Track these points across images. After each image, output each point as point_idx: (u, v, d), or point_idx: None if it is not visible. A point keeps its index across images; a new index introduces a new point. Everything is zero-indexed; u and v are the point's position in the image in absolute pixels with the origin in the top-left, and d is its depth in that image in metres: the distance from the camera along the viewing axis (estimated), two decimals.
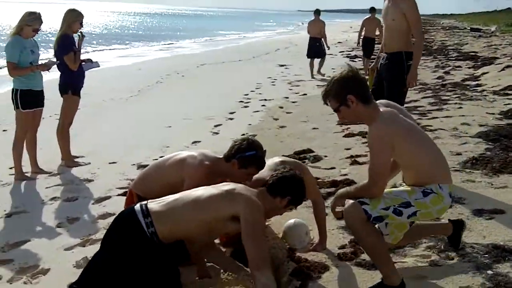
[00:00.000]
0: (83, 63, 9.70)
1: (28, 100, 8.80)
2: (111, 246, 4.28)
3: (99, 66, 10.20)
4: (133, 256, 4.15)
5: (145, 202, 4.35)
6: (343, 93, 4.44)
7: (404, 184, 4.87)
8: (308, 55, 22.49)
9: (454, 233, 5.12)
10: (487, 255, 5.01)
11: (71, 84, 9.54)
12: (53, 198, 8.07)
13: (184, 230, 4.26)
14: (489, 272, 4.71)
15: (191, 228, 4.26)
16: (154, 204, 4.30)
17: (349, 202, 4.50)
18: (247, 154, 5.08)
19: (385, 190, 4.54)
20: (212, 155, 5.37)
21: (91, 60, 10.03)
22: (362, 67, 20.97)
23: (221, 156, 5.30)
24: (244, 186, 4.53)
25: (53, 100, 10.36)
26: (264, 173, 5.24)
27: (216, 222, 4.26)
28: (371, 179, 4.43)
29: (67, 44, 9.31)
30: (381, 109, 4.50)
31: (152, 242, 4.16)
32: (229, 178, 5.13)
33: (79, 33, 9.59)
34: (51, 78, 10.05)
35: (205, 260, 5.00)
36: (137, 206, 4.29)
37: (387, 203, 4.41)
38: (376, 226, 4.67)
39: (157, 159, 9.28)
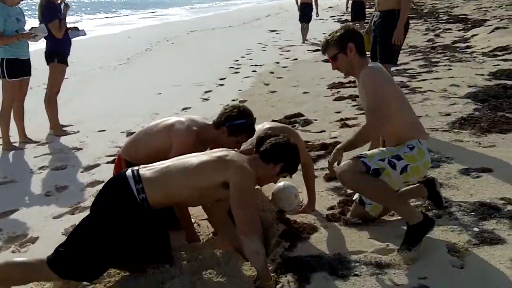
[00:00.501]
0: (69, 31, 9.60)
1: (14, 69, 8.71)
2: (101, 210, 4.23)
3: (85, 34, 10.10)
4: (122, 220, 4.11)
5: (136, 168, 4.29)
6: (345, 40, 4.78)
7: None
8: (301, 20, 22.35)
9: (430, 192, 5.11)
10: (473, 213, 5.02)
11: (57, 52, 9.44)
12: (42, 167, 8.05)
13: (175, 196, 4.22)
14: (475, 229, 4.72)
15: (182, 194, 4.22)
16: (145, 170, 4.25)
17: (349, 160, 4.60)
18: (236, 122, 5.00)
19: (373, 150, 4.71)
20: (201, 121, 5.30)
21: (77, 28, 9.94)
22: None
23: (210, 122, 5.24)
24: (236, 153, 4.47)
25: (40, 69, 10.29)
26: (253, 139, 5.20)
27: (207, 189, 4.22)
28: (368, 117, 4.60)
29: (52, 11, 9.19)
30: (371, 62, 4.82)
31: (142, 207, 4.13)
32: (218, 145, 5.05)
33: (64, 3, 9.46)
34: (39, 47, 9.94)
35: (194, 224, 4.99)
36: (129, 172, 4.24)
37: (382, 155, 4.58)
38: None
39: None
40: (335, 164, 4.66)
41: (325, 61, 16.10)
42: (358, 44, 4.81)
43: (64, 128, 9.98)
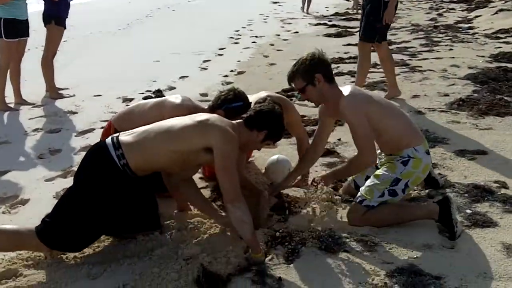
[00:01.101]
0: None
1: (12, 29, 8.63)
2: (84, 179, 4.19)
3: None
4: (105, 188, 4.08)
5: (116, 134, 4.25)
6: (311, 72, 4.65)
7: (382, 155, 5.04)
8: None
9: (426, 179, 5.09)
10: (466, 195, 5.02)
11: (55, 14, 9.37)
12: (36, 129, 8.00)
13: (156, 160, 4.17)
14: (468, 211, 4.73)
15: (163, 158, 4.17)
16: (125, 136, 4.20)
17: (351, 207, 4.72)
18: (233, 105, 4.96)
19: (371, 177, 4.76)
20: (197, 103, 5.28)
21: None
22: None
23: (205, 107, 5.19)
24: (219, 117, 4.39)
25: (39, 31, 10.19)
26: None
27: (189, 153, 4.17)
28: (359, 150, 4.65)
29: None
30: (342, 88, 4.75)
31: (124, 174, 4.09)
32: None
33: None
34: (38, 8, 9.85)
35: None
36: (108, 139, 4.19)
37: (379, 189, 4.59)
38: None
39: (143, 93, 9.27)
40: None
41: (326, 35, 16.06)
42: (326, 73, 4.70)
43: (60, 91, 9.93)
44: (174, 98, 5.21)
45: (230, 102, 4.98)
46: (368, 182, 4.72)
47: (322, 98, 4.78)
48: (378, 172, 4.74)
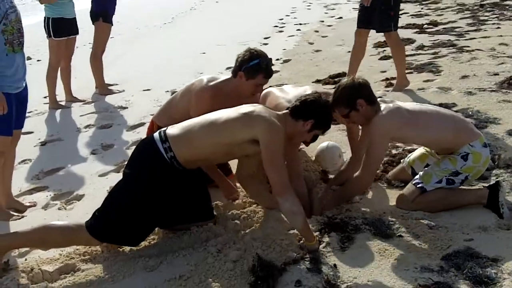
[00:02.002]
0: None
1: (60, 28, 8.78)
2: (132, 173, 4.25)
3: None
4: (154, 181, 4.12)
5: (164, 128, 4.29)
6: (353, 98, 4.59)
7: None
8: None
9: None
10: None
11: (102, 11, 9.50)
12: (88, 126, 8.13)
13: (202, 152, 4.19)
14: None
15: (208, 150, 4.19)
16: (172, 129, 4.23)
17: (406, 188, 4.74)
18: (251, 64, 4.96)
19: (431, 164, 4.79)
20: (223, 77, 5.31)
21: None
22: None
23: (230, 76, 5.24)
24: (264, 108, 4.39)
25: (87, 29, 10.33)
26: (292, 101, 5.17)
27: (234, 145, 4.16)
28: (364, 168, 4.64)
29: None
30: (382, 105, 4.67)
31: (172, 167, 4.13)
32: (240, 93, 5.07)
33: None
34: (86, 6, 9.97)
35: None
36: (156, 133, 4.23)
37: (438, 175, 4.59)
38: None
39: None
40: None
41: None
42: (368, 96, 4.63)
43: (109, 87, 10.06)
44: (198, 82, 5.24)
45: (248, 61, 4.98)
46: (427, 169, 4.72)
47: (367, 120, 4.70)
48: (439, 162, 4.72)
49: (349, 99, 4.58)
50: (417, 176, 4.71)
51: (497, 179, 4.61)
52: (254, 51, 5.05)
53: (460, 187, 4.70)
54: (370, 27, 8.41)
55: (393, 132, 4.59)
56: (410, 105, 4.87)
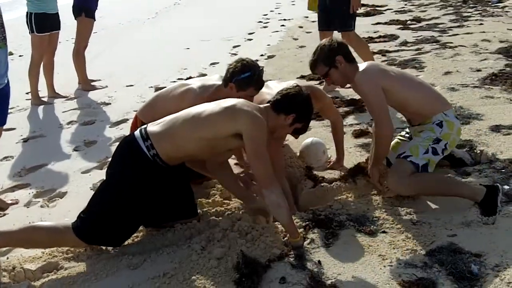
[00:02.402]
0: None
1: (43, 23, 8.71)
2: (116, 173, 4.23)
3: None
4: (138, 180, 4.11)
5: (144, 126, 4.26)
6: (332, 56, 4.75)
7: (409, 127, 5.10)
8: None
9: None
10: (503, 170, 4.95)
11: (84, 6, 9.43)
12: (70, 122, 8.08)
13: (185, 148, 4.16)
14: (506, 187, 4.64)
15: (191, 146, 4.15)
16: (152, 126, 4.20)
17: (396, 164, 4.75)
18: (242, 76, 4.91)
19: (414, 137, 4.83)
20: (213, 83, 5.20)
21: None
22: None
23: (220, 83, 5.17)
24: (246, 101, 4.36)
25: (70, 24, 10.26)
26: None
27: (217, 140, 4.13)
28: (376, 123, 4.75)
29: None
30: (360, 64, 4.83)
31: (156, 164, 4.11)
32: None
33: None
34: (68, 1, 9.91)
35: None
36: (137, 132, 4.20)
37: (424, 146, 4.62)
38: None
39: (174, 81, 9.28)
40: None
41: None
42: (346, 53, 4.79)
43: (92, 83, 10.01)
44: (191, 92, 5.13)
45: (239, 73, 4.92)
46: (412, 141, 4.77)
47: (347, 79, 4.83)
48: (418, 134, 4.77)
49: (328, 57, 4.75)
50: (403, 149, 4.73)
51: (496, 184, 4.58)
52: (246, 63, 4.98)
53: (460, 179, 4.80)
54: (332, 28, 8.40)
55: (380, 79, 4.68)
56: (376, 64, 5.05)
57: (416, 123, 4.86)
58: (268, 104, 4.36)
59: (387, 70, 4.85)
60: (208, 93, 5.05)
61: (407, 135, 5.12)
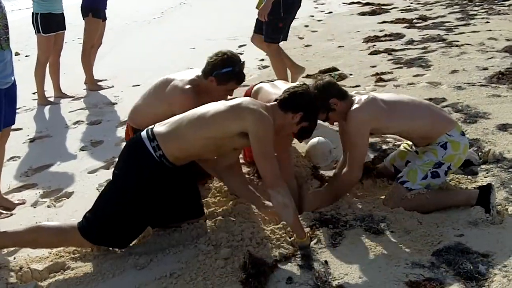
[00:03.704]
0: None
1: (48, 23, 8.70)
2: (122, 174, 4.22)
3: None
4: (144, 181, 4.10)
5: (151, 126, 4.25)
6: (325, 101, 4.63)
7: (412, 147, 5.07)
8: None
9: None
10: (511, 169, 4.94)
11: (92, 7, 9.44)
12: (77, 122, 8.08)
13: (191, 148, 4.15)
14: None
15: (197, 146, 4.14)
16: (159, 127, 4.19)
17: (392, 188, 4.73)
18: (223, 70, 4.88)
19: (415, 159, 4.77)
20: (194, 75, 5.13)
21: None
22: None
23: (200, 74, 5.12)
24: (252, 99, 4.35)
25: (76, 24, 10.27)
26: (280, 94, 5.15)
27: (223, 139, 4.12)
28: (350, 163, 4.65)
29: None
30: (357, 98, 4.70)
31: (162, 165, 4.10)
32: (211, 94, 4.93)
33: None
34: (75, 1, 9.92)
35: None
36: (143, 132, 4.18)
37: (423, 170, 4.59)
38: None
39: None
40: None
41: (361, 14, 15.92)
42: (338, 93, 4.67)
43: (99, 83, 10.01)
44: (174, 87, 5.06)
45: (220, 67, 4.89)
46: (410, 165, 4.71)
47: (346, 115, 4.69)
48: (421, 155, 4.73)
49: (322, 104, 4.59)
50: (402, 173, 4.70)
51: (489, 182, 4.58)
52: (226, 56, 4.94)
53: (449, 189, 4.79)
54: (261, 33, 8.12)
55: (371, 123, 4.58)
56: (385, 95, 4.86)
57: (422, 145, 4.83)
58: (275, 103, 4.34)
59: (384, 107, 4.64)
60: (190, 83, 5.01)
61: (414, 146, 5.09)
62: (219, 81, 4.90)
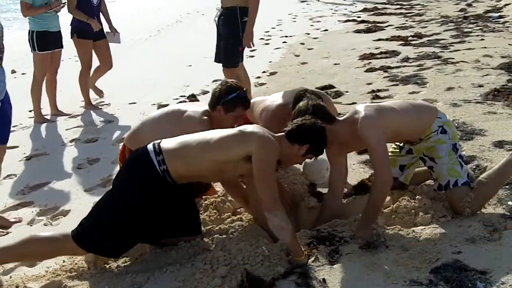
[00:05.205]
0: (106, 32, 9.74)
1: (44, 41, 8.73)
2: (123, 184, 4.23)
3: (119, 43, 10.13)
4: (144, 193, 4.11)
5: (158, 141, 4.27)
6: None
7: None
8: None
9: None
10: (507, 186, 4.94)
11: (76, 27, 9.33)
12: (73, 140, 8.09)
13: (196, 168, 4.17)
14: (510, 203, 4.66)
15: (203, 167, 4.17)
16: (166, 143, 4.21)
17: (452, 195, 4.66)
18: (229, 97, 4.95)
19: (437, 161, 4.76)
20: (205, 107, 5.18)
21: (116, 31, 10.00)
22: None
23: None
24: (258, 126, 4.40)
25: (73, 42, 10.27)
26: (287, 100, 5.17)
27: (228, 163, 4.15)
28: (378, 169, 4.50)
29: None
30: (357, 115, 4.55)
31: (164, 180, 4.10)
32: (222, 126, 4.83)
33: None
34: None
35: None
36: (150, 145, 4.20)
37: (455, 162, 4.71)
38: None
39: (177, 99, 9.30)
40: None
41: (356, 32, 15.98)
42: (324, 117, 4.52)
43: (94, 103, 9.95)
44: (190, 116, 5.09)
45: (226, 95, 4.96)
46: (440, 166, 4.72)
47: (337, 139, 4.66)
48: (434, 154, 4.76)
49: None
50: (442, 181, 4.71)
51: None
52: (229, 84, 5.05)
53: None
54: (218, 61, 8.20)
55: (381, 124, 4.53)
56: (368, 104, 4.83)
57: (415, 141, 4.85)
58: (283, 134, 4.35)
59: (377, 112, 4.61)
60: (204, 114, 5.06)
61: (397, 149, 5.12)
62: (227, 108, 4.96)
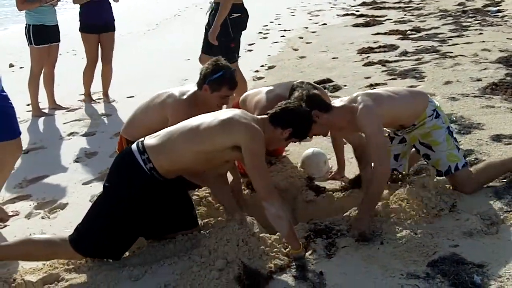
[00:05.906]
0: None
1: (41, 35, 8.71)
2: (112, 187, 4.23)
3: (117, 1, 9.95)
4: (135, 194, 4.11)
5: (142, 139, 4.25)
6: None
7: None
8: None
9: None
10: (505, 180, 4.93)
11: (81, 21, 9.38)
12: (71, 134, 8.08)
13: (182, 161, 4.15)
14: (508, 196, 4.64)
15: (188, 159, 4.14)
16: (149, 139, 4.17)
17: (455, 177, 4.83)
18: (215, 76, 4.96)
19: (434, 149, 4.86)
20: (190, 88, 5.25)
21: None
22: None
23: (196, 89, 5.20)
24: (243, 112, 4.35)
25: (72, 36, 10.25)
26: (283, 91, 5.18)
27: (214, 153, 4.13)
28: (377, 161, 4.47)
29: None
30: (355, 104, 4.57)
31: (152, 178, 4.09)
32: (207, 105, 5.00)
33: None
34: (71, 14, 9.90)
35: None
36: (134, 145, 4.17)
37: (453, 147, 4.86)
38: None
39: None
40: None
41: (355, 25, 15.97)
42: (320, 105, 4.54)
43: (92, 95, 9.93)
44: (169, 97, 5.22)
45: (211, 74, 4.98)
46: (439, 154, 4.84)
47: (328, 128, 4.71)
48: (431, 140, 4.85)
49: None
50: (440, 167, 4.83)
51: None
52: (215, 64, 5.05)
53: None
54: (212, 55, 8.10)
55: (378, 113, 4.53)
56: (366, 93, 4.81)
57: (408, 125, 4.86)
58: (266, 116, 4.32)
59: (376, 101, 4.62)
60: (186, 95, 5.13)
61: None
62: (212, 88, 4.98)
